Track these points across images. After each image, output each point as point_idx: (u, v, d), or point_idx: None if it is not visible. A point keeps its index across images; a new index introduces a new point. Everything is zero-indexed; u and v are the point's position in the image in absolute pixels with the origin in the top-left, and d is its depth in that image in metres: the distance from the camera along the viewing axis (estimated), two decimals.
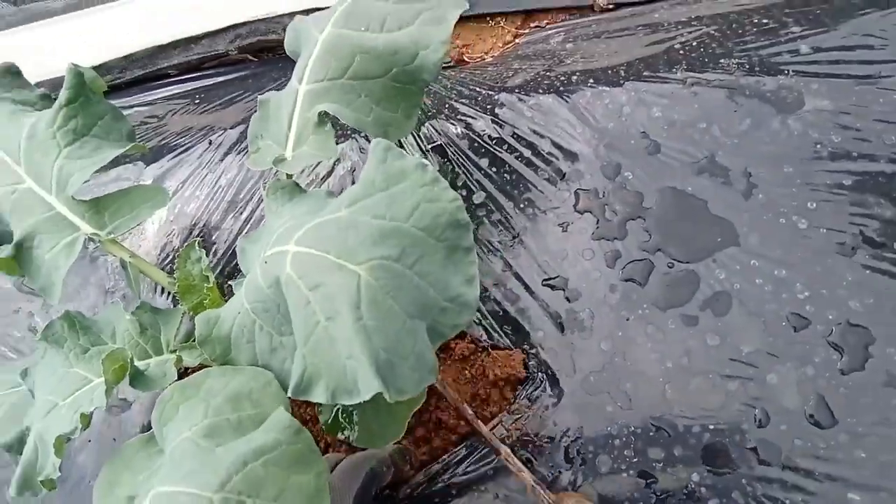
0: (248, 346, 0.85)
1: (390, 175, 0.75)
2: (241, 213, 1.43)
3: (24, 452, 1.02)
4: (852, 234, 1.08)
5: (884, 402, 0.98)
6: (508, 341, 1.17)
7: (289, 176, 1.11)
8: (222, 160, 1.52)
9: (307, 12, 1.73)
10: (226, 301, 1.11)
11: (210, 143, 1.57)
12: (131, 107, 1.81)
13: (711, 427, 1.03)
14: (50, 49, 1.93)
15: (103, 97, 1.21)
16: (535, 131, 1.29)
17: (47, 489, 0.96)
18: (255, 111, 1.12)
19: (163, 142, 1.63)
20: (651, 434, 1.06)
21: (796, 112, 1.17)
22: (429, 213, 0.72)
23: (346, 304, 0.69)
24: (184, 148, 1.58)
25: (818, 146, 1.14)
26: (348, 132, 1.43)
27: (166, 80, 1.85)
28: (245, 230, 1.40)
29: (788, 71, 1.21)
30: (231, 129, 1.58)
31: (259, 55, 1.83)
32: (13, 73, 1.31)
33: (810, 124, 1.16)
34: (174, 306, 1.17)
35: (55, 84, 1.88)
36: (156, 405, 0.82)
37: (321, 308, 0.71)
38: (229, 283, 1.03)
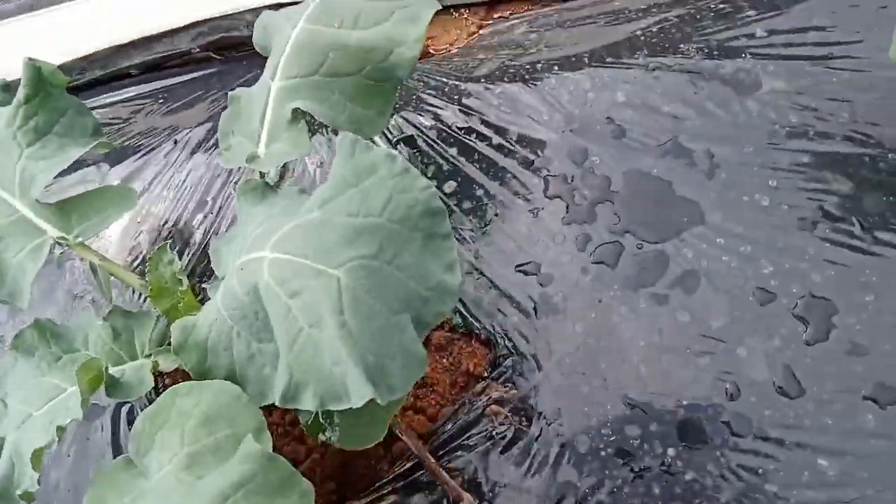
0: (226, 354, 0.84)
1: (360, 169, 0.75)
2: (210, 212, 1.42)
3: (1, 466, 1.00)
4: (812, 209, 1.11)
5: (847, 369, 1.02)
6: (483, 327, 1.19)
7: (261, 174, 1.10)
8: (189, 159, 1.51)
9: (273, 8, 1.72)
10: (200, 304, 1.10)
11: (175, 142, 1.55)
12: (93, 108, 1.76)
13: (685, 403, 1.06)
14: (2, 52, 1.88)
15: (65, 92, 1.18)
16: (502, 119, 1.30)
17: (26, 503, 0.94)
18: (225, 108, 1.11)
19: (127, 142, 1.60)
20: (627, 413, 1.08)
21: (754, 94, 1.20)
22: (402, 204, 0.72)
23: (329, 310, 0.69)
24: (149, 148, 1.56)
25: (776, 126, 1.17)
26: (315, 126, 1.42)
27: (127, 80, 1.82)
28: (215, 229, 1.39)
29: (745, 54, 1.24)
30: (196, 127, 1.57)
31: (222, 53, 1.80)
32: None
33: (768, 105, 1.19)
34: (144, 308, 1.15)
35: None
36: (130, 439, 0.81)
37: (303, 315, 0.71)
38: (202, 284, 1.02)
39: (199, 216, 1.43)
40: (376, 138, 1.37)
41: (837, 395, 1.01)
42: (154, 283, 1.06)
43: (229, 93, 1.11)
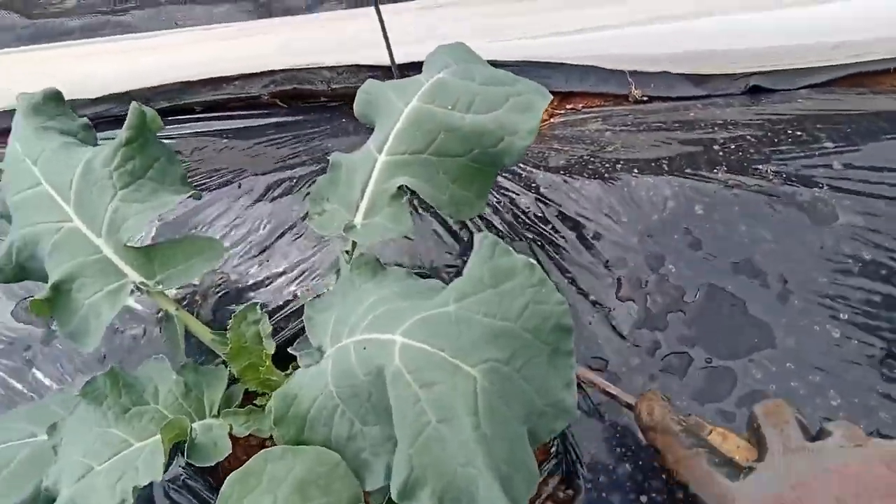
0: (324, 430, 0.83)
1: (498, 272, 0.75)
2: (274, 266, 1.41)
3: None
4: (880, 347, 1.14)
5: None
6: None
7: (353, 245, 1.10)
8: (252, 206, 1.51)
9: (351, 68, 1.76)
10: (284, 374, 1.09)
11: (240, 186, 1.55)
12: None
13: None
14: (67, 70, 1.89)
15: (159, 141, 1.18)
16: (580, 214, 1.32)
17: None
18: (292, 159, 1.11)
19: (189, 179, 1.59)
20: None
21: (830, 224, 1.24)
22: (537, 314, 0.73)
23: (463, 407, 0.68)
24: (212, 188, 1.56)
25: (850, 260, 1.21)
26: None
27: (192, 115, 1.83)
28: (271, 283, 1.38)
29: (822, 184, 1.28)
30: (261, 175, 1.57)
31: (289, 102, 1.83)
32: (57, 99, 1.26)
33: (843, 238, 1.23)
34: (217, 366, 1.13)
35: (79, 105, 1.84)
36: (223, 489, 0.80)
37: (433, 409, 0.70)
38: (287, 349, 1.00)
39: (261, 268, 1.42)
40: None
41: None
42: (234, 341, 1.05)
43: (331, 157, 1.12)
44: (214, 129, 1.78)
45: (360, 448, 0.82)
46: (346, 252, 1.12)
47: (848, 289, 1.19)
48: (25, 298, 1.55)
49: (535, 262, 0.75)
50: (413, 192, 1.02)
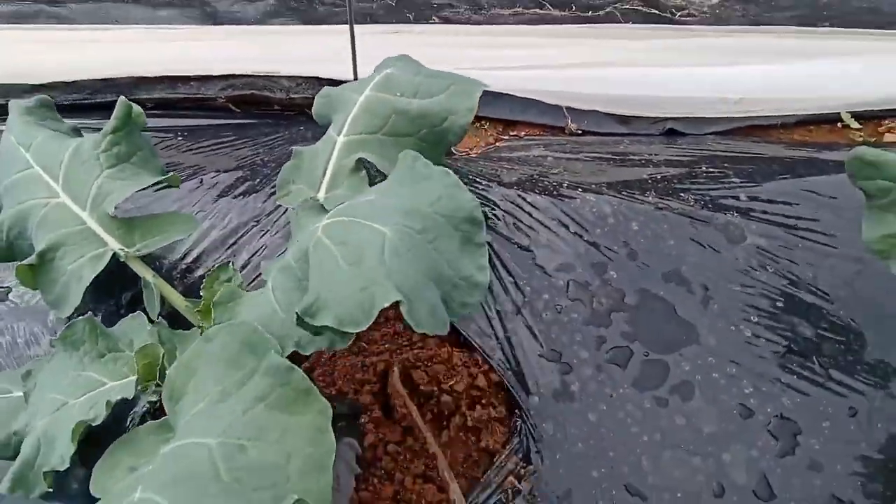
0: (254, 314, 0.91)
1: (417, 175, 0.89)
2: (236, 256, 1.44)
3: (23, 450, 0.97)
4: (783, 345, 1.36)
5: (808, 481, 1.23)
6: (505, 407, 1.30)
7: None
8: (216, 201, 1.54)
9: (312, 79, 1.84)
10: None
11: (202, 182, 1.57)
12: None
13: (679, 495, 1.22)
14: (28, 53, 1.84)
15: (143, 132, 1.26)
16: (533, 225, 1.48)
17: (47, 483, 0.92)
18: (254, 161, 1.22)
19: None
20: (629, 499, 1.21)
21: (740, 243, 1.47)
22: (449, 205, 0.85)
23: (371, 252, 0.77)
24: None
25: (758, 272, 1.44)
26: None
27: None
28: (244, 271, 1.42)
29: (733, 211, 1.52)
30: (224, 172, 1.61)
31: (244, 107, 1.87)
32: (47, 106, 1.39)
33: (751, 255, 1.46)
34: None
35: (16, 89, 1.77)
36: (164, 387, 0.84)
37: (345, 258, 0.78)
38: None
39: (222, 256, 1.45)
40: None
41: (800, 503, 1.21)
42: (207, 298, 1.09)
43: (293, 148, 1.26)
44: (166, 125, 1.79)
45: (280, 319, 0.89)
46: None
47: (756, 297, 1.41)
48: None
49: (450, 171, 0.87)
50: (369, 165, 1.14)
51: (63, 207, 1.15)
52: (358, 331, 0.76)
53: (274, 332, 0.87)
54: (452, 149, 1.79)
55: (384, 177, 1.15)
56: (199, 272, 1.43)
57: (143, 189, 1.20)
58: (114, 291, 1.37)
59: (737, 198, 1.55)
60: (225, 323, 0.87)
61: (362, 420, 1.23)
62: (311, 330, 0.83)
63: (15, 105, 1.33)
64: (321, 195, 1.17)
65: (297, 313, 0.80)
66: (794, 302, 1.40)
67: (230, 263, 1.13)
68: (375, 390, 1.27)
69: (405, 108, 1.16)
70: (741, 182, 1.58)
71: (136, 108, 1.23)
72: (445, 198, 0.84)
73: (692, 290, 1.41)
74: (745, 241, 1.48)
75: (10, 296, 1.42)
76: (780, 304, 1.40)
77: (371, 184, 1.17)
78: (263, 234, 1.49)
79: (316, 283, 0.80)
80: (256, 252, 1.46)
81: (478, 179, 1.58)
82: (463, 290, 0.81)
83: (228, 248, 1.47)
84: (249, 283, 1.40)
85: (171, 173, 1.22)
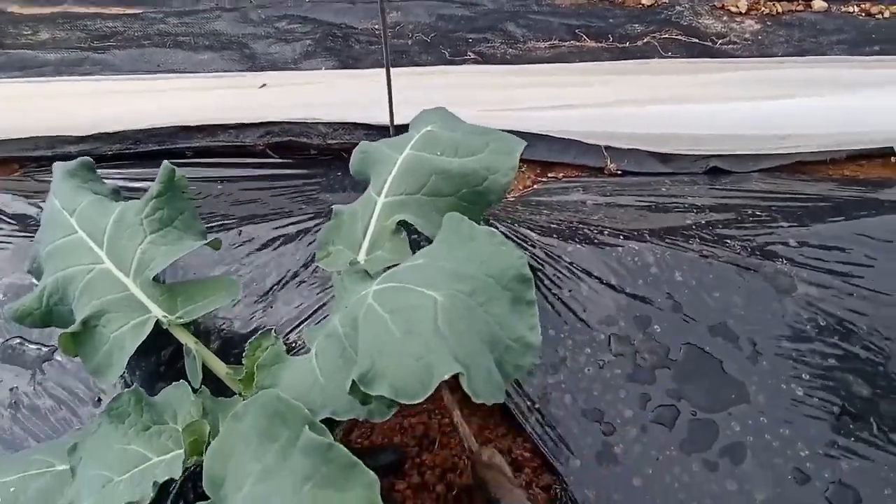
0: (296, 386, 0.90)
1: (463, 236, 0.87)
2: (277, 312, 1.44)
3: None
4: (839, 404, 1.30)
5: None
6: (548, 467, 1.26)
7: None
8: (255, 254, 1.54)
9: (349, 125, 1.84)
10: None
11: (240, 233, 1.58)
12: (143, 179, 1.78)
13: None
14: (43, 106, 1.89)
15: (185, 196, 1.26)
16: (574, 275, 1.44)
17: None
18: (280, 203, 1.21)
19: None
20: None
21: (791, 294, 1.41)
22: (497, 265, 0.82)
23: (425, 320, 0.75)
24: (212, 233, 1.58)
25: (808, 326, 1.38)
26: None
27: (182, 159, 1.84)
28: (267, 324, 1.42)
29: (782, 259, 1.46)
30: (261, 223, 1.61)
31: (282, 153, 1.89)
32: (89, 167, 1.39)
33: (801, 306, 1.40)
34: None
35: (62, 141, 1.82)
36: (204, 476, 0.84)
37: (398, 326, 0.77)
38: None
39: (259, 313, 1.45)
40: None
41: None
42: (249, 367, 1.08)
43: (333, 207, 1.24)
44: (207, 175, 1.81)
45: (321, 385, 0.88)
46: None
47: (807, 352, 1.35)
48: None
49: (495, 230, 0.85)
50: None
51: (107, 274, 1.16)
52: (414, 402, 0.75)
53: (312, 400, 0.87)
54: None
55: (421, 235, 1.14)
56: (237, 326, 1.44)
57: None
58: (154, 348, 1.38)
59: (786, 243, 1.49)
60: (250, 399, 0.86)
61: (398, 488, 1.21)
62: (360, 398, 0.81)
63: (58, 168, 1.35)
64: (362, 257, 1.16)
65: (353, 380, 0.78)
66: (848, 358, 1.34)
67: (272, 331, 1.12)
68: (413, 454, 1.26)
69: (446, 167, 1.14)
70: (789, 225, 1.53)
71: (178, 172, 1.23)
72: (493, 257, 0.83)
73: (740, 346, 1.36)
74: (795, 290, 1.42)
75: (56, 355, 1.45)
76: (832, 361, 1.34)
77: (410, 243, 1.16)
78: (300, 285, 1.49)
79: (368, 351, 0.78)
80: (294, 305, 1.47)
81: (515, 227, 1.56)
82: (516, 352, 0.79)
83: (266, 303, 1.48)
84: (284, 336, 1.41)
85: (213, 238, 1.22)
